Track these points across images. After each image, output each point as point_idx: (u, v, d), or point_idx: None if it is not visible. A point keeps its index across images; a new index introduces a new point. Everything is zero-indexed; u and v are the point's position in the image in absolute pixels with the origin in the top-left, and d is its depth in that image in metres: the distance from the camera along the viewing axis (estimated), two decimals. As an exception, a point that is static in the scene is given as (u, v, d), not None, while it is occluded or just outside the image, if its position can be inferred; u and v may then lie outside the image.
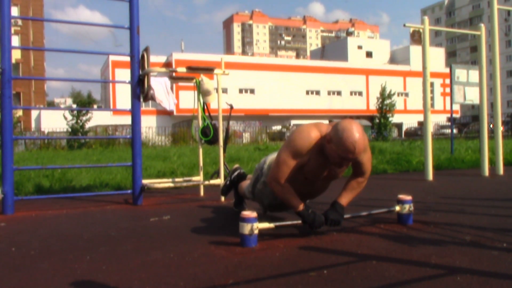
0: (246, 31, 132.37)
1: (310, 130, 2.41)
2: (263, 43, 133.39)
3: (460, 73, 6.38)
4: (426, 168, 5.52)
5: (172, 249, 2.34)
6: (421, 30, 5.60)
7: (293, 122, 39.84)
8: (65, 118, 17.72)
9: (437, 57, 50.76)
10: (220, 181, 4.15)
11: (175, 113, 34.32)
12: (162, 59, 40.99)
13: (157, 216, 3.34)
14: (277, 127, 33.22)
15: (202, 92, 4.24)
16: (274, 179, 2.45)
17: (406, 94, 49.16)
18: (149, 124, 23.79)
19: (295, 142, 2.41)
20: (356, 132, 2.23)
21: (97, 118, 22.60)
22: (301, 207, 2.46)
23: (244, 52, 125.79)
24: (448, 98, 42.33)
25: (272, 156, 2.82)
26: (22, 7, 41.43)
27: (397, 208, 2.81)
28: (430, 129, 5.73)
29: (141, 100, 4.24)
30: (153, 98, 4.24)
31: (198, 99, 4.28)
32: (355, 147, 2.22)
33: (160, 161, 7.26)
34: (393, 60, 57.20)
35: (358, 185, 2.62)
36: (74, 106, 26.77)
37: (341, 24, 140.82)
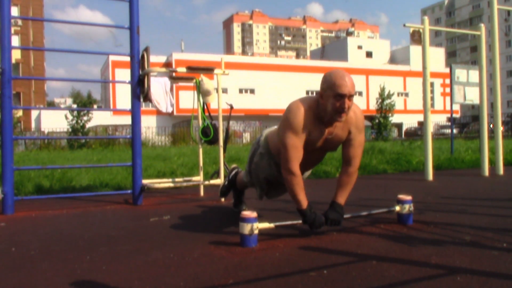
0: (246, 31, 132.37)
1: (297, 104, 2.44)
2: (263, 43, 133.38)
3: (460, 73, 6.38)
4: (426, 168, 5.52)
5: (172, 249, 2.34)
6: (421, 30, 5.60)
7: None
8: (66, 118, 17.74)
9: (437, 57, 50.75)
10: (220, 181, 4.15)
11: (175, 113, 34.35)
12: (162, 59, 40.97)
13: (157, 216, 3.35)
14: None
15: (202, 92, 4.24)
16: (287, 167, 2.43)
17: (406, 94, 49.14)
18: (149, 124, 23.78)
19: (291, 121, 2.41)
20: (342, 72, 2.35)
21: (97, 118, 22.59)
22: (305, 205, 2.45)
23: (244, 52, 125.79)
24: (448, 98, 42.34)
25: (269, 130, 2.84)
26: (22, 7, 41.42)
27: (397, 208, 2.81)
28: (430, 129, 5.73)
29: (141, 100, 4.24)
30: (150, 100, 4.24)
31: (198, 99, 4.28)
32: (346, 80, 2.31)
33: (160, 161, 7.26)
34: (393, 60, 57.19)
35: (350, 178, 2.59)
36: (74, 106, 26.80)
37: (341, 24, 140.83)
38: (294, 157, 2.41)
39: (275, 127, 2.78)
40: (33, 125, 38.42)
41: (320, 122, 2.44)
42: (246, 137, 23.42)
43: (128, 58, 4.10)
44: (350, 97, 2.33)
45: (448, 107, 44.59)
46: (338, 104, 2.32)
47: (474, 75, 6.44)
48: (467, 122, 44.34)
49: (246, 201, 3.49)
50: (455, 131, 19.95)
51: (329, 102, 2.34)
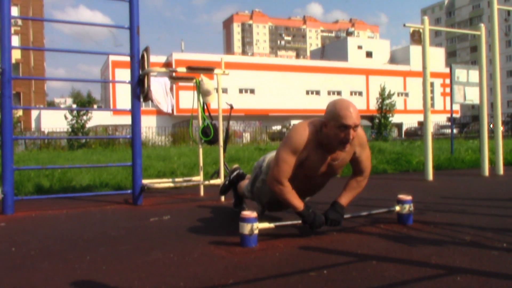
0: (246, 31, 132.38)
1: (305, 125, 2.44)
2: (263, 43, 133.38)
3: (460, 73, 6.38)
4: (426, 168, 5.52)
5: (172, 249, 2.34)
6: (421, 30, 5.60)
7: (293, 122, 39.80)
8: (66, 118, 17.72)
9: (437, 57, 50.75)
10: (220, 181, 4.15)
11: (175, 113, 34.34)
12: (162, 59, 40.98)
13: (157, 216, 3.35)
14: (277, 127, 33.23)
15: (202, 92, 4.24)
16: (275, 178, 2.44)
17: (406, 94, 49.14)
18: (149, 124, 23.76)
19: (292, 139, 2.42)
20: (347, 102, 2.32)
21: (97, 118, 22.58)
22: (301, 207, 2.45)
23: (244, 52, 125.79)
24: (448, 98, 42.34)
25: (271, 154, 2.82)
26: (22, 7, 41.42)
27: (397, 208, 2.81)
28: (430, 129, 5.73)
29: (141, 100, 4.24)
30: (151, 99, 4.24)
31: (198, 99, 4.28)
32: (351, 111, 2.27)
33: (160, 161, 7.26)
34: (393, 60, 57.19)
35: (358, 184, 2.63)
36: (74, 106, 26.79)
37: (341, 24, 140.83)
38: (284, 171, 2.42)
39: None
40: (33, 125, 38.41)
41: (323, 148, 2.43)
42: (246, 137, 23.40)
43: (128, 58, 4.10)
44: (355, 127, 2.31)
45: (448, 107, 44.60)
46: (342, 135, 2.30)
47: (474, 75, 6.44)
48: (467, 122, 44.36)
49: (246, 201, 3.49)
50: (455, 131, 19.94)
51: (332, 132, 2.32)
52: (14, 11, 37.49)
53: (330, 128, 2.32)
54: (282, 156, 2.42)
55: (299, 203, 2.46)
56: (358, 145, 2.52)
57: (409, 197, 2.82)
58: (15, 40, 39.80)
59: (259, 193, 2.84)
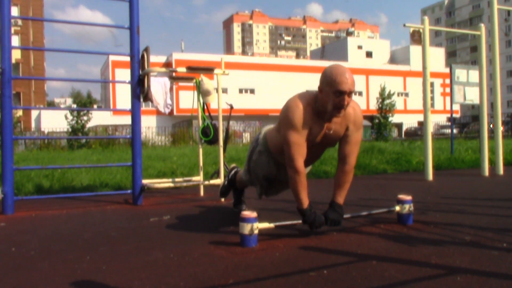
0: (246, 31, 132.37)
1: (296, 101, 2.44)
2: (263, 43, 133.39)
3: (460, 73, 6.38)
4: (426, 168, 5.52)
5: (172, 249, 2.34)
6: (421, 30, 5.60)
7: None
8: (66, 118, 17.71)
9: (437, 57, 50.74)
10: (220, 181, 4.15)
11: (175, 113, 34.31)
12: (162, 59, 40.95)
13: (157, 216, 3.35)
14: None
15: (202, 92, 4.24)
16: (292, 165, 2.42)
17: (406, 94, 49.13)
18: (149, 124, 23.74)
19: (291, 119, 2.41)
20: (343, 67, 2.34)
21: (97, 118, 22.57)
22: (306, 204, 2.45)
23: (244, 52, 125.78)
24: (448, 98, 42.33)
25: (267, 128, 2.84)
26: (22, 7, 41.41)
27: (397, 208, 2.81)
28: (430, 129, 5.72)
29: (141, 100, 4.24)
30: (151, 100, 4.24)
31: (198, 99, 4.28)
32: (347, 76, 2.29)
33: (160, 161, 7.26)
34: (393, 60, 57.18)
35: (346, 177, 2.58)
36: (74, 106, 26.69)
37: (341, 24, 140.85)
38: (298, 154, 2.41)
39: (274, 125, 2.78)
40: (33, 125, 38.40)
41: (319, 117, 2.44)
42: (246, 137, 23.42)
43: (128, 58, 4.10)
44: (350, 93, 2.32)
45: (448, 107, 44.59)
46: (337, 101, 2.32)
47: (474, 75, 6.44)
48: (467, 122, 44.37)
49: (246, 201, 3.49)
50: (455, 131, 19.95)
51: (328, 98, 2.34)
52: (14, 11, 37.48)
53: (326, 94, 2.34)
54: (291, 139, 2.41)
55: (305, 200, 2.45)
56: (352, 121, 2.51)
57: (409, 197, 2.82)
58: (15, 40, 39.80)
59: (256, 168, 2.82)
